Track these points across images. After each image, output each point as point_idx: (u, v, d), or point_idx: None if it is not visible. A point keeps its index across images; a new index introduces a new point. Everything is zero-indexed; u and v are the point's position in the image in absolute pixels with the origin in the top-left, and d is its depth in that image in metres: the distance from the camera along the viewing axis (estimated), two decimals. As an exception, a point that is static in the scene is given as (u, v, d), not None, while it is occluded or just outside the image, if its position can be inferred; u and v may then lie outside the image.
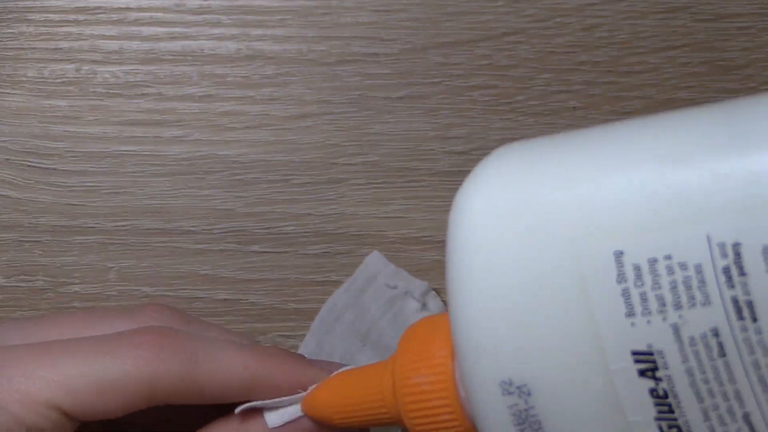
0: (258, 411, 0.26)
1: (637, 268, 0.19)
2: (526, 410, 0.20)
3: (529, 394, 0.20)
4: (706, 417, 0.19)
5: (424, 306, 0.35)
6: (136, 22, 0.37)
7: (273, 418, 0.26)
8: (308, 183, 0.37)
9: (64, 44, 0.37)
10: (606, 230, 0.19)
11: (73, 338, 0.26)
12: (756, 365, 0.18)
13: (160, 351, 0.25)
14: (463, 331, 0.21)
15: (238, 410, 0.26)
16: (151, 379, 0.24)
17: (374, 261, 0.36)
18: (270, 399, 0.26)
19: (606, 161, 0.20)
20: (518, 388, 0.20)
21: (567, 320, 0.20)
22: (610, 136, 0.21)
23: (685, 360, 0.19)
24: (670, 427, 0.19)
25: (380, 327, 0.34)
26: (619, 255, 0.19)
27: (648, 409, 0.19)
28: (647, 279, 0.19)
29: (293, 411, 0.26)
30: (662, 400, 0.19)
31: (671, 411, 0.19)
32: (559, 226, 0.20)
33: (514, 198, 0.21)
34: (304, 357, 0.27)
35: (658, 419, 0.19)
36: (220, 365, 0.25)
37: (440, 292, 0.36)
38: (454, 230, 0.22)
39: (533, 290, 0.20)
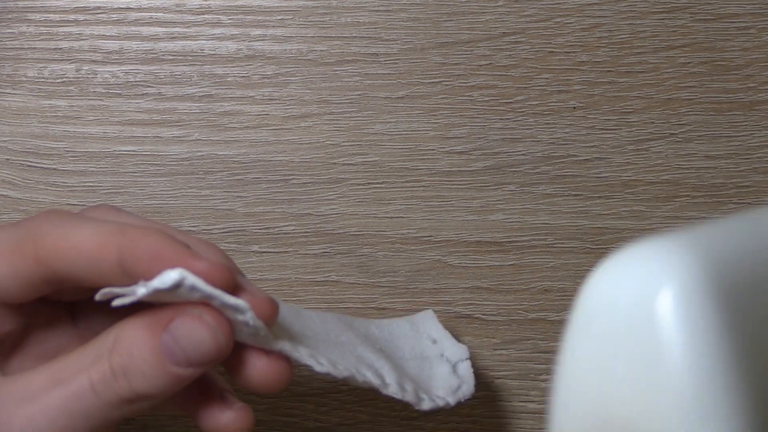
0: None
1: None
2: None
3: None
4: None
5: (454, 371, 0.34)
6: (136, 22, 0.37)
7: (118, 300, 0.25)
8: (308, 183, 0.37)
9: (64, 44, 0.37)
10: None
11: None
12: None
13: (45, 220, 0.26)
14: None
15: (97, 296, 0.25)
16: (34, 242, 0.26)
17: (425, 317, 0.35)
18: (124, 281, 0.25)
19: None
20: None
21: None
22: None
23: None
24: None
25: (403, 362, 0.33)
26: None
27: None
28: None
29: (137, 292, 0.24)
30: None
31: None
32: None
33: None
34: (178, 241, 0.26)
35: None
36: (76, 233, 0.25)
37: (474, 358, 0.35)
38: (649, 334, 0.17)
39: None
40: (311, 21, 0.37)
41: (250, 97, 0.37)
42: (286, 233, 0.37)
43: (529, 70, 0.37)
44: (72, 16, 0.37)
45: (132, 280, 0.25)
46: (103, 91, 0.37)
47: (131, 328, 0.25)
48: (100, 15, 0.37)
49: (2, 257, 0.26)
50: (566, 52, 0.37)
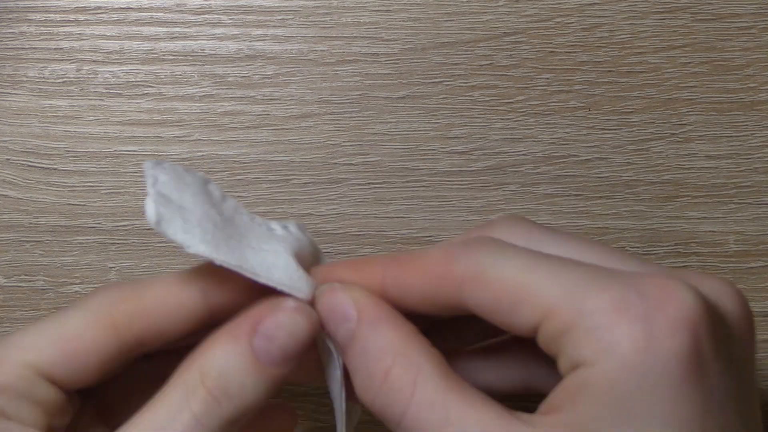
0: None
1: None
2: None
3: None
4: None
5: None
6: (137, 22, 0.37)
7: None
8: (309, 183, 0.37)
9: (64, 44, 0.37)
10: None
11: None
12: None
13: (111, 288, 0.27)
14: None
15: None
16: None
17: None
18: None
19: None
20: None
21: None
22: None
23: None
24: None
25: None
26: None
27: None
28: None
29: None
30: None
31: None
32: None
33: None
34: None
35: None
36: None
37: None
38: None
39: None
40: (312, 21, 0.37)
41: (251, 97, 0.37)
42: (286, 233, 0.37)
43: (530, 70, 0.37)
44: (72, 16, 0.37)
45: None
46: (104, 91, 0.37)
47: (214, 347, 0.24)
48: (100, 15, 0.37)
49: (78, 340, 0.25)
50: (567, 52, 0.37)
